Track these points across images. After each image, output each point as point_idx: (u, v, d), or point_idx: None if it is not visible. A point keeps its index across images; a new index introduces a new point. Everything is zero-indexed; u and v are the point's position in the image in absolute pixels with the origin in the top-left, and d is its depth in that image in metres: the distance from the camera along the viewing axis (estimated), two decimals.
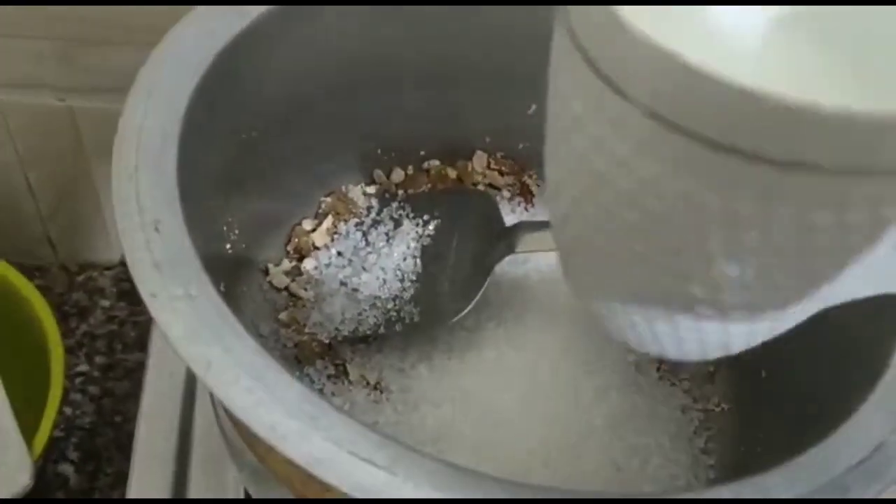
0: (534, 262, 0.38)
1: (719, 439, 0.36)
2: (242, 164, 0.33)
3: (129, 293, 0.56)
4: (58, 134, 0.46)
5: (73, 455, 0.49)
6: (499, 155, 0.41)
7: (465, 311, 0.35)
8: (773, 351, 0.35)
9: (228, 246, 0.34)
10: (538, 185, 0.42)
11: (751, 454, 0.35)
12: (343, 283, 0.37)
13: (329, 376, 0.36)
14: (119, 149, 0.25)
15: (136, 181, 0.24)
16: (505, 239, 0.35)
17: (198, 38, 0.28)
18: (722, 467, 0.35)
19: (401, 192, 0.40)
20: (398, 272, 0.37)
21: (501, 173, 0.42)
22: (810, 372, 0.32)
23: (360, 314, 0.36)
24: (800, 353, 0.33)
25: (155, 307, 0.22)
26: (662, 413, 0.36)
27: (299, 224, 0.39)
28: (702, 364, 0.38)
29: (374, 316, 0.36)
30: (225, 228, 0.34)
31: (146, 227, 0.23)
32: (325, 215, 0.39)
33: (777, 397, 0.34)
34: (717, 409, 0.37)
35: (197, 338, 0.22)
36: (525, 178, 0.42)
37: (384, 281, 0.37)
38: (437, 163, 0.41)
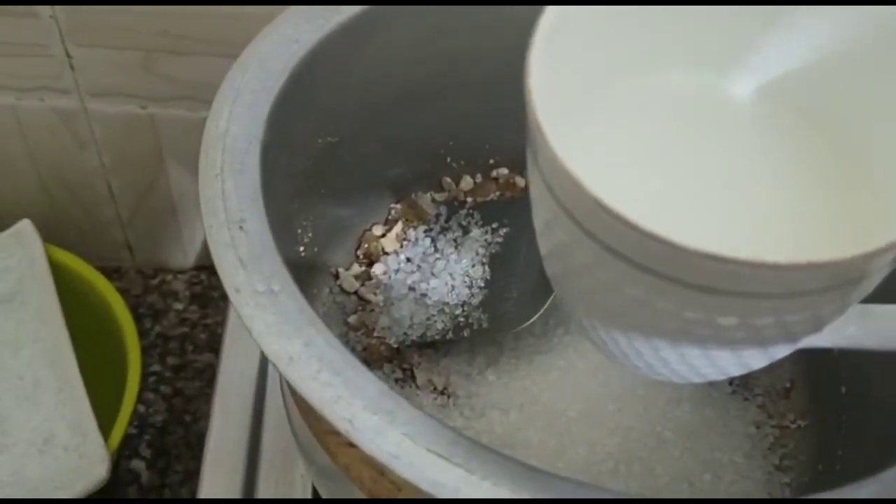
0: None
1: (795, 457, 0.35)
2: (319, 169, 0.33)
3: (200, 297, 0.57)
4: (139, 141, 0.47)
5: (146, 452, 0.51)
6: None
7: (534, 318, 0.35)
8: (853, 366, 0.34)
9: (302, 249, 0.35)
10: None
11: (829, 473, 0.34)
12: (412, 289, 0.38)
13: (396, 380, 0.36)
14: (206, 151, 0.25)
15: (222, 181, 0.25)
16: None
17: (280, 46, 0.29)
18: (799, 485, 0.34)
19: (469, 199, 0.41)
20: (466, 278, 0.37)
21: None
22: (893, 388, 0.31)
23: (428, 319, 0.36)
24: (881, 367, 0.32)
25: (238, 301, 0.22)
26: (735, 428, 0.35)
27: (369, 229, 0.40)
28: (776, 379, 0.37)
29: (443, 321, 0.36)
30: (300, 231, 0.34)
31: (231, 225, 0.24)
32: (395, 221, 0.40)
33: (858, 414, 0.33)
34: (793, 426, 0.36)
35: (278, 332, 0.22)
36: None
37: (452, 287, 0.37)
38: (505, 171, 0.41)
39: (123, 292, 0.54)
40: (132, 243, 0.55)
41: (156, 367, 0.54)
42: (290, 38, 0.29)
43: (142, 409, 0.52)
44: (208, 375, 0.54)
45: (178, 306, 0.57)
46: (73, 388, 0.43)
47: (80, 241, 0.52)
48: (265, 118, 0.27)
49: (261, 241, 0.24)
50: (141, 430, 0.51)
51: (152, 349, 0.55)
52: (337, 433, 0.21)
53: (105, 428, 0.42)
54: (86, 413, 0.43)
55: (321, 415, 0.21)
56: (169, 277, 0.58)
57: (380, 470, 0.22)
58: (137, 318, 0.55)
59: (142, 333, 0.55)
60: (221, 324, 0.56)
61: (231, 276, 0.23)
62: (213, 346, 0.55)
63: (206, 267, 0.58)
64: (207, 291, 0.57)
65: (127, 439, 0.45)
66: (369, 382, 0.21)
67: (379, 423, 0.21)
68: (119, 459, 0.48)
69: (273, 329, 0.22)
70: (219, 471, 0.40)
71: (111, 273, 0.56)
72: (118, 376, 0.45)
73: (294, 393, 0.26)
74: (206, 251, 0.58)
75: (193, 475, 0.50)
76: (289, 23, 0.30)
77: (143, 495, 0.49)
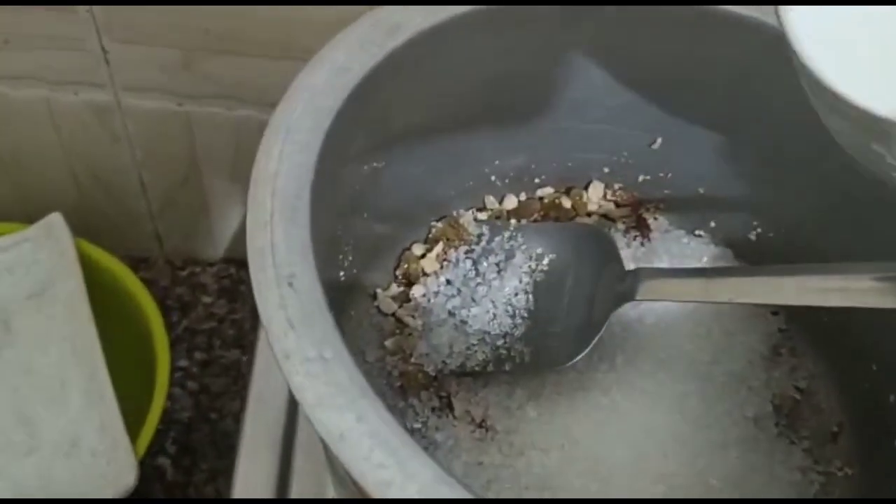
0: (649, 305, 0.37)
1: None
2: (363, 194, 0.32)
3: (229, 290, 0.57)
4: (173, 137, 0.46)
5: (171, 449, 0.51)
6: (616, 187, 0.40)
7: (578, 357, 0.34)
8: None
9: (342, 273, 0.34)
10: (655, 219, 0.40)
11: None
12: (451, 314, 0.36)
13: (433, 409, 0.35)
14: (254, 196, 0.24)
15: (271, 230, 0.24)
16: (624, 284, 0.34)
17: (332, 77, 0.27)
18: None
19: (513, 220, 0.39)
20: (509, 307, 0.36)
21: (617, 205, 0.40)
22: None
23: (468, 349, 0.35)
24: None
25: (288, 369, 0.21)
26: (781, 474, 0.34)
27: (409, 249, 0.38)
28: (824, 421, 0.36)
29: (483, 352, 0.35)
30: (341, 257, 0.33)
31: (280, 281, 0.23)
32: (436, 241, 0.38)
33: None
34: (840, 474, 0.35)
35: (330, 405, 0.21)
36: (642, 211, 0.40)
37: (494, 315, 0.36)
38: (550, 190, 0.40)
39: (151, 283, 0.54)
40: (162, 234, 0.55)
41: (183, 363, 0.54)
42: (341, 68, 0.28)
43: (168, 404, 0.51)
44: (235, 372, 0.53)
45: (207, 300, 0.56)
46: (102, 388, 0.43)
47: (110, 231, 0.51)
48: (316, 158, 0.26)
49: (311, 298, 0.23)
50: (167, 427, 0.51)
51: (179, 343, 0.54)
52: None
53: (132, 425, 0.42)
54: (114, 416, 0.42)
55: (375, 497, 0.20)
56: (198, 269, 0.57)
57: None
58: (165, 311, 0.55)
59: (169, 327, 0.55)
60: (249, 319, 0.55)
61: (281, 340, 0.22)
62: (241, 341, 0.55)
63: (234, 259, 0.57)
64: (236, 285, 0.56)
65: (154, 435, 0.45)
66: (424, 465, 0.20)
67: None
68: (145, 457, 0.48)
69: (324, 401, 0.21)
70: (252, 471, 0.39)
71: (139, 263, 0.56)
72: (146, 372, 0.45)
73: None
74: (235, 243, 0.57)
75: (218, 474, 0.50)
76: (339, 51, 0.28)
77: (167, 493, 0.49)
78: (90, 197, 0.50)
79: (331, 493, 0.38)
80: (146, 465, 0.50)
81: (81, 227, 0.46)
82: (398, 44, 0.29)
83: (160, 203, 0.52)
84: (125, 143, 0.47)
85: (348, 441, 0.21)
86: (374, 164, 0.32)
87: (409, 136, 0.33)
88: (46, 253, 0.46)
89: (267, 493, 0.38)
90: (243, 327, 0.55)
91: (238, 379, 0.53)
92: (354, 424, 0.21)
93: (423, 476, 0.20)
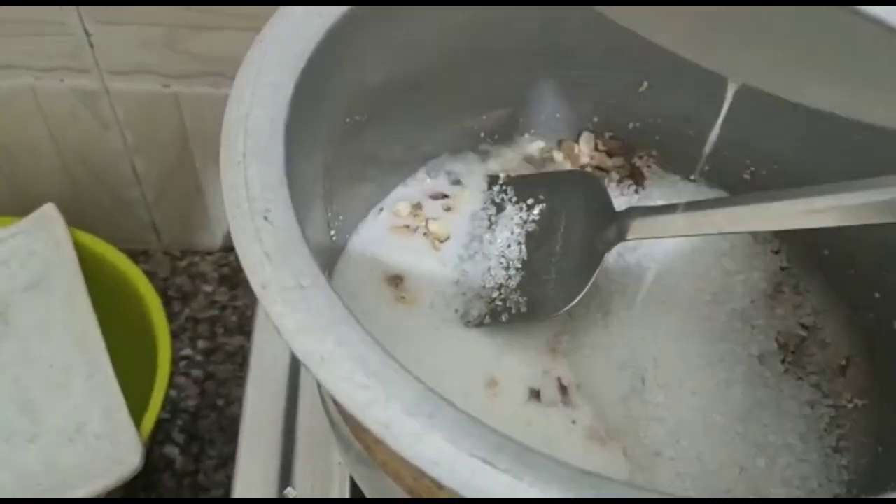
0: (646, 248, 0.36)
1: (853, 438, 0.33)
2: (347, 150, 0.32)
3: (229, 278, 0.57)
4: (163, 120, 0.46)
5: (179, 437, 0.50)
6: (607, 136, 0.39)
7: (574, 302, 0.33)
8: None
9: (333, 233, 0.34)
10: (649, 167, 0.39)
11: (890, 454, 0.32)
12: None
13: None
14: (227, 136, 0.24)
15: (245, 168, 0.23)
16: (615, 225, 0.33)
17: (303, 20, 0.27)
18: (857, 468, 0.33)
19: (503, 174, 0.39)
20: (503, 259, 0.35)
21: (610, 155, 0.40)
22: None
23: (464, 304, 0.35)
24: None
25: (266, 299, 0.21)
26: (789, 409, 0.34)
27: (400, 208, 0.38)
28: (832, 355, 0.35)
29: (479, 307, 0.35)
30: (329, 216, 0.33)
31: (255, 216, 0.22)
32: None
33: None
34: (850, 405, 0.34)
35: (309, 330, 0.21)
36: (635, 159, 0.39)
37: (488, 269, 0.35)
38: (541, 144, 0.40)
39: (151, 275, 0.54)
40: (158, 225, 0.55)
41: (186, 351, 0.53)
42: (312, 12, 0.27)
43: (173, 393, 0.51)
44: (239, 358, 0.53)
45: (208, 288, 0.56)
46: (104, 374, 0.43)
47: (106, 223, 0.51)
48: (289, 99, 0.25)
49: (287, 232, 0.22)
50: (173, 415, 0.51)
51: (182, 333, 0.54)
52: None
53: (137, 414, 0.42)
54: (117, 399, 0.42)
55: (357, 419, 0.20)
56: (197, 259, 0.57)
57: (419, 470, 0.20)
58: (166, 302, 0.55)
59: (171, 317, 0.55)
60: (251, 305, 0.55)
61: (257, 271, 0.21)
62: (244, 328, 0.54)
63: (234, 248, 0.56)
64: (237, 273, 0.56)
65: (159, 424, 0.45)
66: (407, 383, 0.20)
67: (418, 427, 0.19)
68: (152, 445, 0.48)
69: (303, 327, 0.21)
70: (254, 458, 0.39)
71: (138, 256, 0.56)
72: (148, 361, 0.45)
73: None
74: None
75: (228, 460, 0.50)
76: None
77: (177, 481, 0.49)
78: (83, 187, 0.50)
79: (336, 481, 0.37)
80: (154, 455, 0.50)
81: (77, 219, 0.46)
82: None
83: (155, 191, 0.52)
84: (115, 129, 0.47)
85: (329, 364, 0.20)
86: (357, 118, 0.32)
87: (390, 88, 0.33)
88: (42, 244, 0.46)
89: (270, 480, 0.38)
90: (245, 314, 0.55)
91: (243, 365, 0.53)
92: (335, 348, 0.21)
93: (406, 393, 0.20)
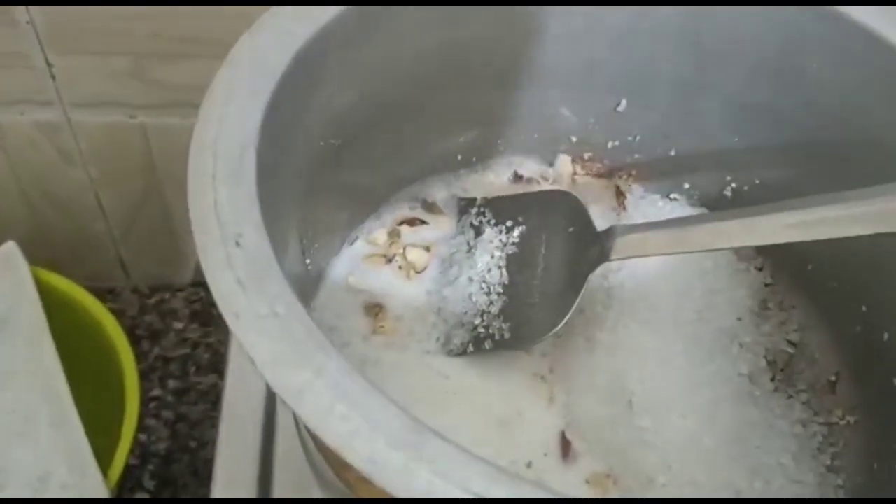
0: (629, 268, 0.36)
1: (847, 456, 0.33)
2: (321, 174, 0.31)
3: (201, 314, 0.55)
4: (129, 152, 0.45)
5: (149, 483, 0.48)
6: (585, 156, 0.39)
7: (559, 326, 0.32)
8: None
9: (309, 262, 0.33)
10: (629, 187, 0.39)
11: (885, 471, 0.31)
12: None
13: None
14: (195, 160, 0.23)
15: (215, 191, 0.22)
16: (598, 245, 0.33)
17: (274, 41, 0.26)
18: (853, 486, 0.32)
19: (480, 197, 0.38)
20: (483, 285, 0.34)
21: (589, 175, 0.39)
22: None
23: (446, 333, 0.34)
24: None
25: (239, 329, 0.20)
26: (781, 429, 0.33)
27: (378, 236, 0.37)
28: (821, 371, 0.35)
29: (461, 335, 0.34)
30: (304, 242, 0.32)
31: (227, 241, 0.21)
32: (400, 224, 0.37)
33: None
34: (842, 422, 0.34)
35: (285, 361, 0.20)
36: (616, 180, 0.39)
37: (469, 295, 0.34)
38: (520, 166, 0.39)
39: (119, 314, 0.52)
40: (126, 261, 0.53)
41: (156, 392, 0.51)
42: (284, 32, 0.26)
43: (143, 437, 0.49)
44: (213, 398, 0.51)
45: (178, 325, 0.54)
46: (68, 420, 0.41)
47: (72, 260, 0.49)
48: (259, 121, 0.24)
49: (260, 256, 0.21)
50: (143, 461, 0.49)
51: (152, 372, 0.52)
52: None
53: (104, 460, 0.40)
54: (83, 447, 0.40)
55: (339, 454, 0.18)
56: (167, 295, 0.55)
57: None
58: (135, 340, 0.53)
59: (140, 356, 0.53)
60: (224, 342, 0.53)
61: (229, 300, 0.20)
62: (217, 365, 0.53)
63: (204, 282, 0.55)
64: (208, 308, 0.55)
65: (129, 471, 0.43)
66: (391, 414, 0.19)
67: (404, 460, 0.18)
68: (121, 493, 0.46)
69: (279, 358, 0.20)
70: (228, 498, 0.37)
71: (105, 294, 0.54)
72: (116, 404, 0.43)
73: None
74: None
75: None
76: (283, 15, 0.27)
77: None
78: (47, 223, 0.49)
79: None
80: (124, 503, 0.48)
81: (40, 257, 0.45)
82: (345, 8, 0.28)
83: (122, 226, 0.50)
84: (79, 163, 0.45)
85: (307, 396, 0.19)
86: (332, 141, 0.31)
87: (364, 111, 0.32)
88: (3, 284, 0.44)
89: None
90: (218, 351, 0.53)
91: (216, 404, 0.51)
92: (313, 379, 0.19)
93: (390, 425, 0.19)
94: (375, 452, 0.18)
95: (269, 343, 0.20)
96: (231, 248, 0.21)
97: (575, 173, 0.39)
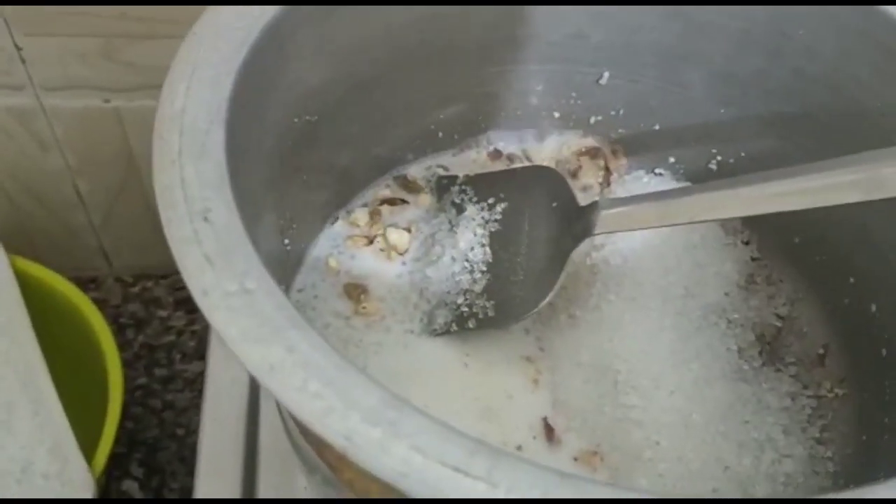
0: (614, 244, 0.35)
1: (836, 428, 0.32)
2: (298, 151, 0.30)
3: (186, 301, 0.54)
4: (105, 138, 0.44)
5: (137, 471, 0.48)
6: (568, 132, 0.38)
7: (544, 303, 0.32)
8: (893, 326, 0.32)
9: (287, 242, 0.32)
10: (614, 162, 0.38)
11: (874, 442, 0.31)
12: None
13: None
14: (159, 134, 0.22)
15: (181, 167, 0.21)
16: (581, 220, 0.32)
17: (241, 12, 0.25)
18: (842, 459, 0.31)
19: (461, 174, 0.37)
20: (466, 263, 0.34)
21: (572, 151, 0.38)
22: None
23: (429, 312, 0.33)
24: None
25: (207, 305, 0.19)
26: (770, 403, 0.33)
27: (358, 215, 0.36)
28: (809, 344, 0.34)
29: (444, 314, 0.33)
30: (282, 222, 0.31)
31: (194, 216, 0.21)
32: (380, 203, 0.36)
33: None
34: (831, 395, 0.33)
35: (256, 337, 0.19)
36: (600, 155, 0.38)
37: (452, 273, 0.34)
38: (502, 142, 0.38)
39: (102, 303, 0.51)
40: (107, 249, 0.52)
41: (142, 380, 0.51)
42: (245, 10, 0.26)
43: (130, 425, 0.49)
44: (199, 385, 0.51)
45: (163, 313, 0.54)
46: (50, 410, 0.40)
47: (52, 250, 0.48)
48: (228, 94, 0.24)
49: (229, 232, 0.21)
50: (130, 448, 0.48)
51: (137, 361, 0.51)
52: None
53: (90, 450, 0.39)
54: (65, 436, 0.40)
55: (313, 431, 0.18)
56: (150, 284, 0.54)
57: (387, 484, 0.19)
58: (119, 329, 0.52)
59: (125, 345, 0.52)
60: (211, 328, 0.53)
61: (196, 276, 0.20)
62: (203, 353, 0.52)
63: None
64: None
65: (116, 459, 0.42)
66: (366, 389, 0.18)
67: (381, 436, 0.18)
68: (109, 482, 0.45)
69: (249, 334, 0.19)
70: (214, 489, 0.37)
71: (87, 283, 0.53)
72: (100, 393, 0.42)
73: None
74: None
75: (190, 492, 0.47)
76: None
77: None
78: (24, 212, 0.48)
79: (302, 492, 0.35)
80: (112, 492, 0.47)
81: (19, 247, 0.44)
82: None
83: (101, 214, 0.49)
84: (55, 150, 0.44)
85: (279, 373, 0.18)
86: (307, 118, 0.30)
87: (338, 88, 0.31)
88: None
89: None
90: (204, 338, 0.53)
91: (203, 392, 0.51)
92: (285, 355, 0.19)
93: (365, 400, 0.18)
94: (351, 429, 0.18)
95: (239, 320, 0.19)
96: (198, 224, 0.20)
97: (559, 150, 0.39)
